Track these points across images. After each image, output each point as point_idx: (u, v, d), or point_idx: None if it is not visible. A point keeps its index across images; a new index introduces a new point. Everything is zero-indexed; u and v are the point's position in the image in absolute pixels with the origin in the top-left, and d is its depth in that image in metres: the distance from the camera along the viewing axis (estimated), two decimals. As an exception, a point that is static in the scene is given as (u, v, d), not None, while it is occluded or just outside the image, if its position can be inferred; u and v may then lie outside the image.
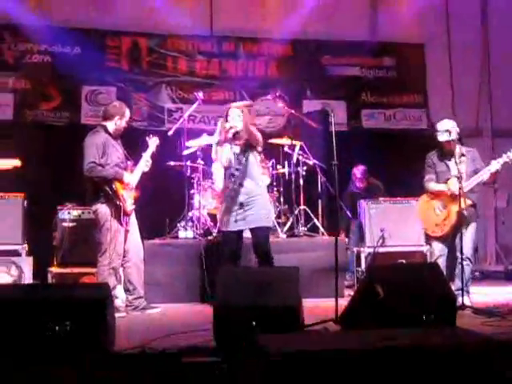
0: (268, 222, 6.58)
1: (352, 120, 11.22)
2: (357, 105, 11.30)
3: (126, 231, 6.73)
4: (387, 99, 11.38)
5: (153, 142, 7.14)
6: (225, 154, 6.45)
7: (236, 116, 6.47)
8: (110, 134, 6.78)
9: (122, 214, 6.61)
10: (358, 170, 9.65)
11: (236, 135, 6.44)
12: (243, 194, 6.38)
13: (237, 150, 6.48)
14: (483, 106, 11.67)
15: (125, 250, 6.75)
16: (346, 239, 8.14)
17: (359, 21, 11.36)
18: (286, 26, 10.69)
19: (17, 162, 6.20)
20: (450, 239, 6.85)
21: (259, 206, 6.43)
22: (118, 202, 6.57)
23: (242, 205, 6.36)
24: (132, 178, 6.84)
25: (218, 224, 6.72)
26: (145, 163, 7.00)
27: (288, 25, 10.67)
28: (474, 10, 11.70)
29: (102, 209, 6.58)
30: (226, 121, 6.47)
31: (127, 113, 6.95)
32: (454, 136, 6.75)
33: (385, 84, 11.45)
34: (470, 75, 11.56)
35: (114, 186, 6.58)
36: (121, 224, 6.62)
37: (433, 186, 7.00)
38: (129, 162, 6.91)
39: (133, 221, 6.85)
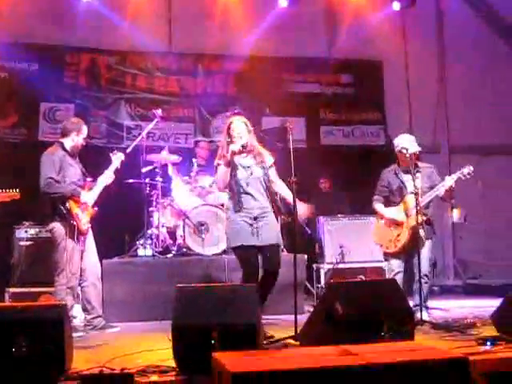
0: (280, 240, 6.37)
1: (311, 137, 11.27)
2: (316, 122, 11.37)
3: (82, 250, 6.66)
4: (346, 116, 11.49)
5: (117, 158, 7.06)
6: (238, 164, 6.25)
7: (243, 127, 6.25)
8: (66, 150, 6.70)
9: (76, 233, 6.52)
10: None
11: (245, 147, 6.22)
12: (256, 209, 6.13)
13: (248, 162, 6.31)
14: (440, 123, 11.84)
15: (81, 269, 6.66)
16: (306, 256, 8.14)
17: (317, 38, 11.46)
18: (244, 43, 10.76)
19: (16, 195, 6.17)
20: (407, 255, 6.90)
21: (273, 223, 6.26)
22: (71, 221, 6.49)
23: (255, 219, 6.10)
24: (89, 196, 6.74)
25: (231, 239, 6.18)
26: (106, 179, 6.90)
27: (247, 41, 10.74)
28: (430, 26, 11.90)
29: (58, 227, 6.51)
30: (228, 133, 6.24)
31: (84, 129, 6.86)
32: (412, 152, 6.80)
33: (343, 101, 11.56)
34: (426, 91, 11.74)
35: (67, 205, 6.49)
36: (76, 243, 6.54)
37: (378, 208, 7.12)
38: (88, 179, 6.83)
39: (89, 239, 6.76)
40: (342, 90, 11.64)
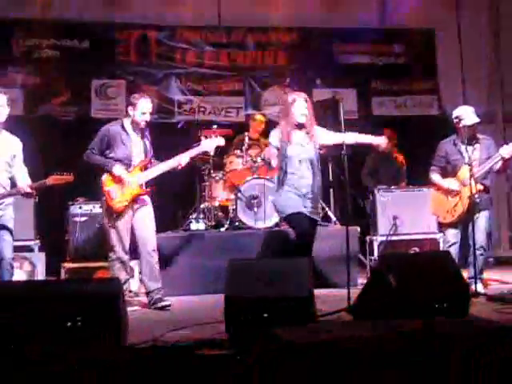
0: (319, 218, 6.69)
1: (362, 108, 11.16)
2: (367, 93, 11.24)
3: (132, 226, 6.61)
4: (398, 86, 11.31)
5: (210, 143, 6.85)
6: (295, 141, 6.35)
7: (304, 105, 6.36)
8: (124, 127, 6.63)
9: (109, 210, 6.56)
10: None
11: (304, 124, 6.35)
12: (304, 187, 6.27)
13: (301, 139, 6.38)
14: (494, 92, 11.57)
15: (135, 244, 6.67)
16: (359, 228, 8.09)
17: (368, 7, 11.28)
18: (294, 15, 10.65)
19: (70, 178, 6.25)
20: (463, 226, 6.83)
21: (318, 201, 6.50)
22: (103, 198, 6.56)
23: (305, 196, 6.26)
24: (137, 176, 6.57)
25: (282, 209, 6.35)
26: (174, 163, 6.66)
27: (296, 13, 10.63)
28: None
29: (103, 204, 6.62)
30: (289, 111, 6.36)
31: (141, 104, 6.58)
32: (468, 123, 6.72)
33: (395, 71, 11.37)
34: (480, 60, 11.46)
35: (102, 180, 6.52)
36: (115, 220, 6.54)
37: (435, 178, 7.08)
38: (147, 159, 6.70)
39: (142, 215, 6.64)
40: (394, 60, 11.45)
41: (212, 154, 6.99)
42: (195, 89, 10.71)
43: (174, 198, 9.11)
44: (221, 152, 8.59)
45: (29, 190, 5.97)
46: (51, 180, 6.07)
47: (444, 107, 10.97)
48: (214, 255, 7.53)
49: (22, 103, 10.10)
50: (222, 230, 8.14)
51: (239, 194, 8.09)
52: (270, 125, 8.44)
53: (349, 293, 5.54)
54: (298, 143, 6.31)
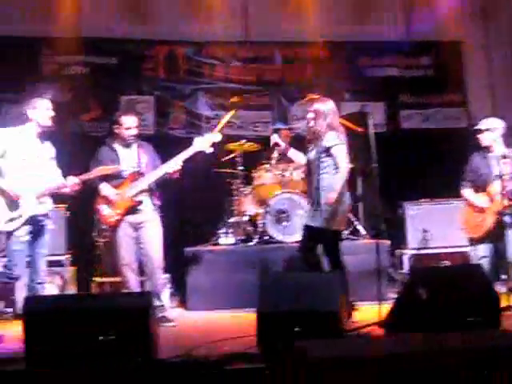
0: None
1: (390, 121, 11.13)
2: (395, 106, 11.21)
3: (138, 242, 6.66)
4: (425, 99, 11.26)
5: (205, 141, 6.82)
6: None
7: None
8: (110, 146, 6.77)
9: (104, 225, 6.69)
10: None
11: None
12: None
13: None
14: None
15: (140, 261, 6.71)
16: (388, 242, 8.05)
17: (394, 20, 11.26)
18: (320, 29, 10.64)
19: (117, 169, 6.35)
20: (493, 241, 6.76)
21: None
22: (96, 216, 6.72)
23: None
24: (124, 189, 6.60)
25: (336, 223, 6.25)
26: (166, 168, 6.67)
27: (323, 27, 10.62)
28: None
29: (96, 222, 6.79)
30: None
31: (122, 120, 6.74)
32: (498, 135, 6.68)
33: (422, 83, 11.32)
34: (509, 71, 11.38)
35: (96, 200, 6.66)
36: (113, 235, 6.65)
37: (466, 194, 6.98)
38: (135, 170, 6.71)
39: (144, 231, 6.67)
40: (421, 73, 11.40)
41: (210, 151, 6.87)
42: (223, 104, 10.75)
43: (203, 213, 9.14)
44: (249, 166, 8.63)
45: (76, 181, 6.02)
46: (96, 172, 6.15)
47: (473, 120, 10.89)
48: (243, 269, 7.54)
49: (54, 120, 10.16)
50: (251, 244, 8.15)
51: (268, 209, 8.10)
52: (298, 139, 8.45)
53: (380, 306, 5.51)
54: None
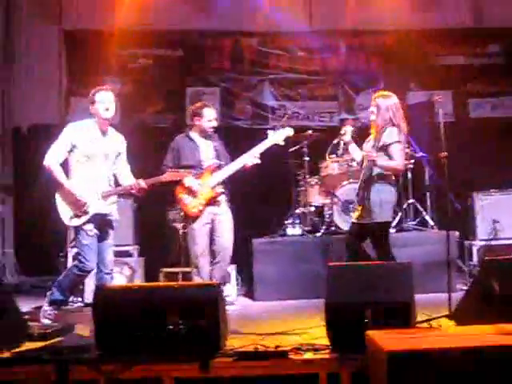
0: None
1: (459, 110, 10.94)
2: (463, 94, 11.02)
3: (212, 233, 6.70)
4: (495, 87, 11.04)
5: (279, 135, 6.79)
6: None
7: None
8: (189, 137, 6.82)
9: (186, 217, 6.74)
10: None
11: None
12: None
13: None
14: None
15: (213, 251, 6.74)
16: (457, 233, 7.94)
17: (460, 7, 11.06)
18: (386, 17, 10.52)
19: (186, 174, 6.44)
20: None
21: None
22: (178, 205, 6.77)
23: None
24: (203, 180, 6.66)
25: (387, 215, 6.21)
26: (244, 160, 6.69)
27: (388, 15, 10.50)
28: None
29: (173, 213, 6.86)
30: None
31: (204, 112, 6.79)
32: None
33: (492, 72, 11.10)
34: None
35: (176, 189, 6.66)
36: (190, 226, 6.69)
37: None
38: (216, 162, 6.76)
39: (220, 223, 6.71)
40: (490, 61, 11.18)
41: (282, 144, 6.85)
42: (288, 94, 10.73)
43: (270, 204, 9.16)
44: (315, 156, 8.61)
45: (143, 185, 6.01)
46: (168, 176, 6.19)
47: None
48: (311, 260, 7.55)
49: (119, 113, 10.30)
50: (318, 234, 8.14)
51: (335, 199, 8.07)
52: (364, 129, 8.40)
53: (450, 298, 5.44)
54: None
